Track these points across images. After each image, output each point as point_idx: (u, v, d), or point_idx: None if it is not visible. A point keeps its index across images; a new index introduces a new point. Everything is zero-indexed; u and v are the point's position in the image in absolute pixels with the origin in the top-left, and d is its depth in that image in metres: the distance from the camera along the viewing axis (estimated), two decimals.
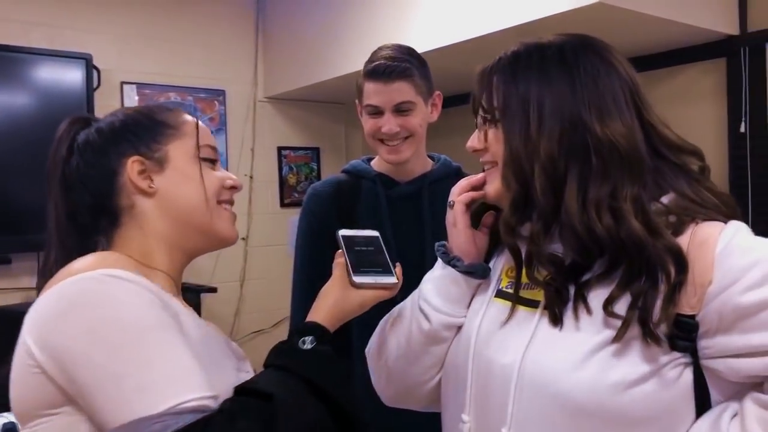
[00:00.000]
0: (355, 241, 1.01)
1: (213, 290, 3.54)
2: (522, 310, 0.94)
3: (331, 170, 4.34)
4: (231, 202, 1.06)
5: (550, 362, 0.86)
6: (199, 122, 1.07)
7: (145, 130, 1.01)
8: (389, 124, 1.57)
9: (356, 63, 3.42)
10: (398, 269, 1.02)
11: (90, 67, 3.37)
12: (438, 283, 1.02)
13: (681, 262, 0.82)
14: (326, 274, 1.73)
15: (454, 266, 1.01)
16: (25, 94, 3.24)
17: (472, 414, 0.95)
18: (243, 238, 3.97)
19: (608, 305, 0.84)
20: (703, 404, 0.84)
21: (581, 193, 0.87)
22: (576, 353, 0.85)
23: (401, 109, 1.57)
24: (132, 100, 3.65)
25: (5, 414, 1.94)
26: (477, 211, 1.05)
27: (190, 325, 0.89)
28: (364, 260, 1.00)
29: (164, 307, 0.84)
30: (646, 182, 0.89)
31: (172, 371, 0.78)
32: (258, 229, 4.06)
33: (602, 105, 0.89)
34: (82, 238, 0.99)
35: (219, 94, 3.94)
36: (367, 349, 1.15)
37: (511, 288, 0.97)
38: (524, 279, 0.95)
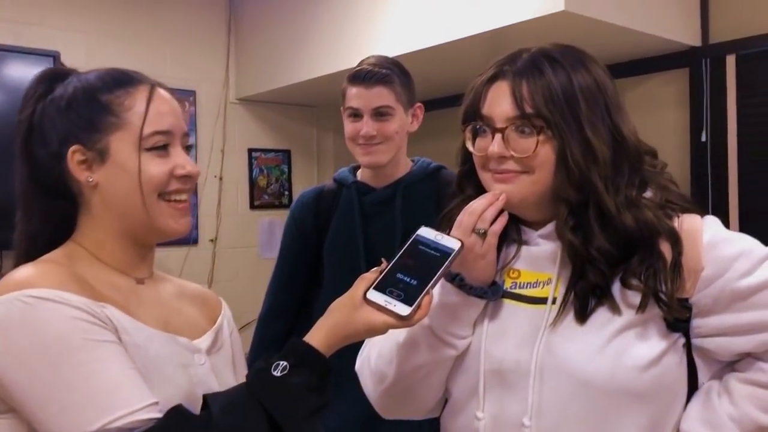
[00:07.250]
0: (419, 249, 0.85)
1: None
2: (527, 308, 0.97)
3: (301, 173, 4.34)
4: (183, 191, 0.95)
5: (570, 353, 0.91)
6: (157, 95, 0.94)
7: (88, 112, 0.91)
8: (367, 127, 1.62)
9: (328, 66, 3.46)
10: (425, 300, 0.85)
11: (57, 65, 3.33)
12: (457, 309, 0.98)
13: (678, 244, 0.90)
14: (298, 277, 1.76)
15: (481, 297, 0.97)
16: None
17: (487, 411, 0.97)
18: (211, 240, 3.94)
19: (627, 279, 0.90)
20: (692, 385, 0.94)
21: (614, 188, 0.92)
22: (595, 342, 0.90)
23: (380, 114, 1.62)
24: None
25: None
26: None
27: (128, 329, 0.85)
28: (402, 276, 0.84)
29: (93, 321, 0.80)
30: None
31: (97, 391, 0.76)
32: (227, 230, 4.03)
33: (620, 106, 0.96)
34: (48, 217, 0.94)
35: (189, 95, 3.91)
36: (358, 368, 1.11)
37: (515, 288, 0.99)
38: (525, 278, 0.99)
